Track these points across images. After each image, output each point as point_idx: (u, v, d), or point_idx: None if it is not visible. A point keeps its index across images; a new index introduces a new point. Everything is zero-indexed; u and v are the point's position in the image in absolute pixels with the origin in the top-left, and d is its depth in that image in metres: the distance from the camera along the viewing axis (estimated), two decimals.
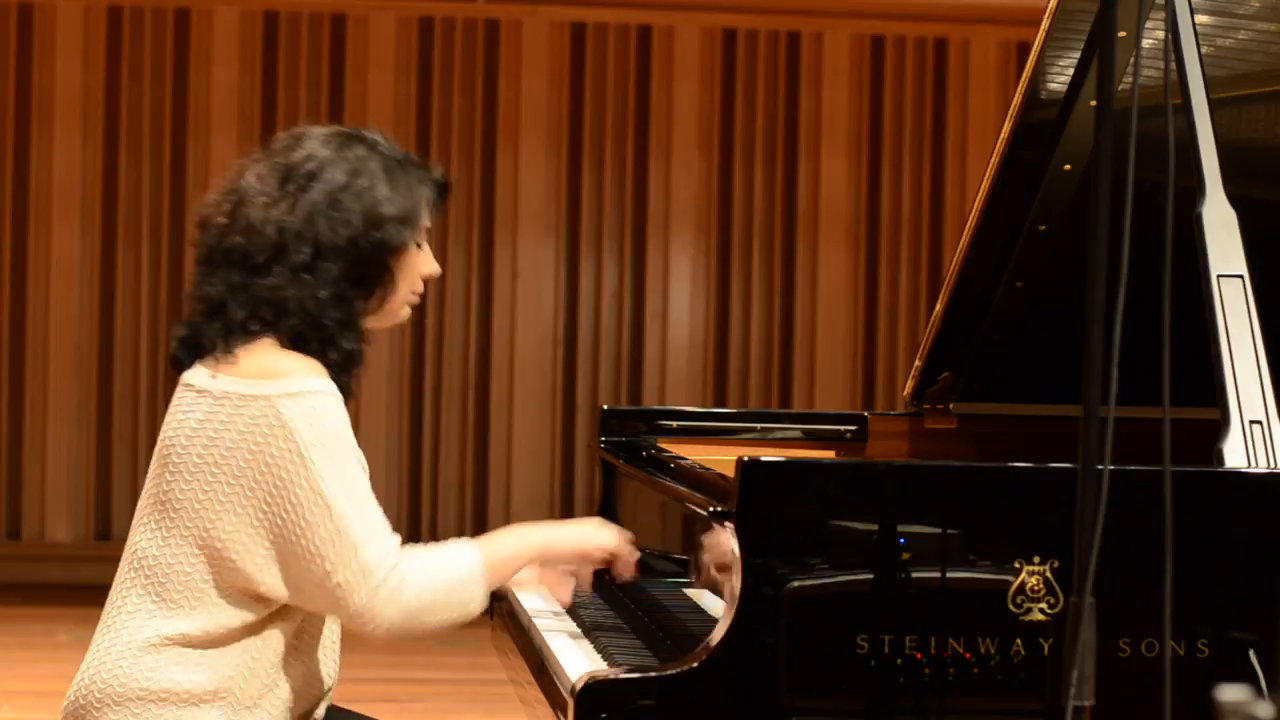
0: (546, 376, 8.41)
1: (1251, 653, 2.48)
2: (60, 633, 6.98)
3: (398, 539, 2.61)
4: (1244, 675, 2.46)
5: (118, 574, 2.69)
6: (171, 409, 2.69)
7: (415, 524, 8.27)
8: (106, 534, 8.10)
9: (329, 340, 2.64)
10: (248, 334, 2.63)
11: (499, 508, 8.39)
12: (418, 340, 8.36)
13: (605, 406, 3.63)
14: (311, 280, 2.63)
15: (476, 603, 2.64)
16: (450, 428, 8.37)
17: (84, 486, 8.16)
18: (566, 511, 8.39)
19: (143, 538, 2.66)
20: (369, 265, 2.68)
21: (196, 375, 2.65)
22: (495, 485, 8.39)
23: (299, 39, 8.27)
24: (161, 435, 2.70)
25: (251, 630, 2.62)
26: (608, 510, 3.51)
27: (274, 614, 2.64)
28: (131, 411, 8.18)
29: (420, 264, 2.76)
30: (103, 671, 2.62)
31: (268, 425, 2.56)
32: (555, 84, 8.37)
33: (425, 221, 2.76)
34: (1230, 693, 1.62)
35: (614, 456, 3.46)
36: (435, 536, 8.21)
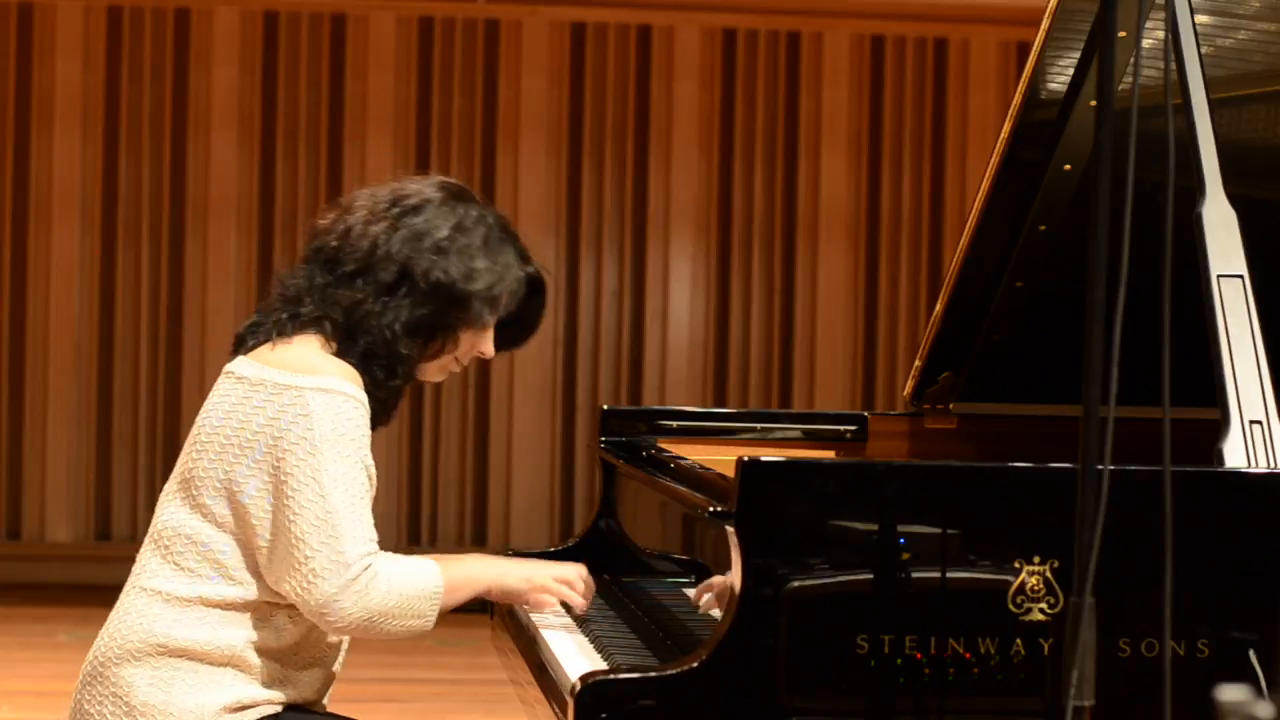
0: (546, 376, 8.41)
1: (1251, 653, 2.48)
2: (60, 633, 6.98)
3: (376, 545, 2.67)
4: (1244, 675, 2.46)
5: (139, 553, 2.79)
6: (210, 395, 2.78)
7: (415, 524, 8.27)
8: (106, 534, 8.10)
9: (390, 370, 2.75)
10: (306, 327, 2.73)
11: (499, 508, 8.39)
12: None
13: (605, 406, 3.64)
14: (390, 305, 2.73)
15: (429, 619, 2.70)
16: (450, 428, 8.37)
17: (84, 486, 8.16)
18: (566, 511, 8.40)
19: (165, 514, 2.77)
20: (443, 321, 2.78)
21: (239, 363, 2.75)
22: (495, 485, 8.39)
23: (299, 39, 8.27)
24: (197, 419, 2.78)
25: (267, 604, 2.70)
26: (608, 510, 3.51)
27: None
28: (131, 411, 8.18)
29: (479, 341, 2.86)
30: (123, 628, 2.71)
31: (293, 413, 2.65)
32: (555, 84, 8.37)
33: (509, 304, 2.85)
34: (1230, 693, 1.62)
35: (614, 456, 3.46)
36: (435, 536, 8.22)
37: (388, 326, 2.73)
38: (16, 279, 8.21)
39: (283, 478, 2.64)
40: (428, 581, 2.69)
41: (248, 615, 2.70)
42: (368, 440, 2.70)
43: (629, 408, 4.73)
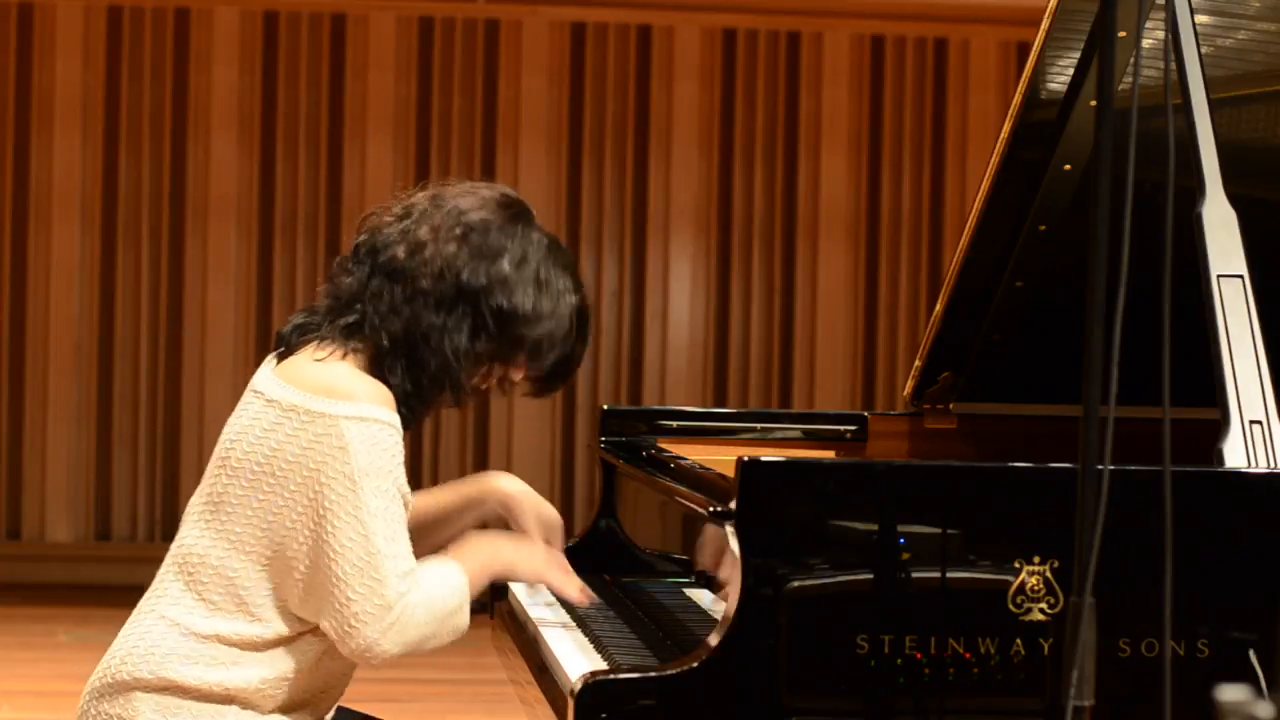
0: None
1: (1251, 653, 2.48)
2: (60, 633, 6.98)
3: (414, 566, 2.62)
4: (1244, 675, 2.46)
5: (161, 569, 2.72)
6: (237, 412, 2.69)
7: None
8: (106, 534, 8.10)
9: (441, 386, 2.68)
10: (354, 336, 2.65)
11: None
12: None
13: (605, 406, 3.63)
14: (450, 328, 2.65)
15: (460, 628, 2.66)
16: (450, 428, 8.37)
17: (84, 486, 8.16)
18: (566, 511, 8.39)
19: (190, 535, 2.68)
20: (500, 353, 2.72)
21: (265, 381, 2.66)
22: None
23: (299, 39, 8.27)
24: (224, 436, 2.69)
25: (284, 641, 2.64)
26: (607, 510, 3.51)
27: (307, 630, 2.65)
28: (131, 411, 8.18)
29: (510, 373, 2.79)
30: (135, 655, 2.64)
31: (329, 445, 2.57)
32: (555, 84, 8.37)
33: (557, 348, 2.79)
34: (1230, 693, 1.62)
35: (614, 456, 3.46)
36: None
37: (452, 351, 2.65)
38: (16, 279, 8.21)
39: (322, 512, 2.56)
40: (454, 592, 2.64)
41: (264, 653, 2.63)
42: (402, 469, 2.63)
43: (629, 408, 4.73)
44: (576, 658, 2.74)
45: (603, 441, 3.56)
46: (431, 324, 2.65)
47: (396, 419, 2.62)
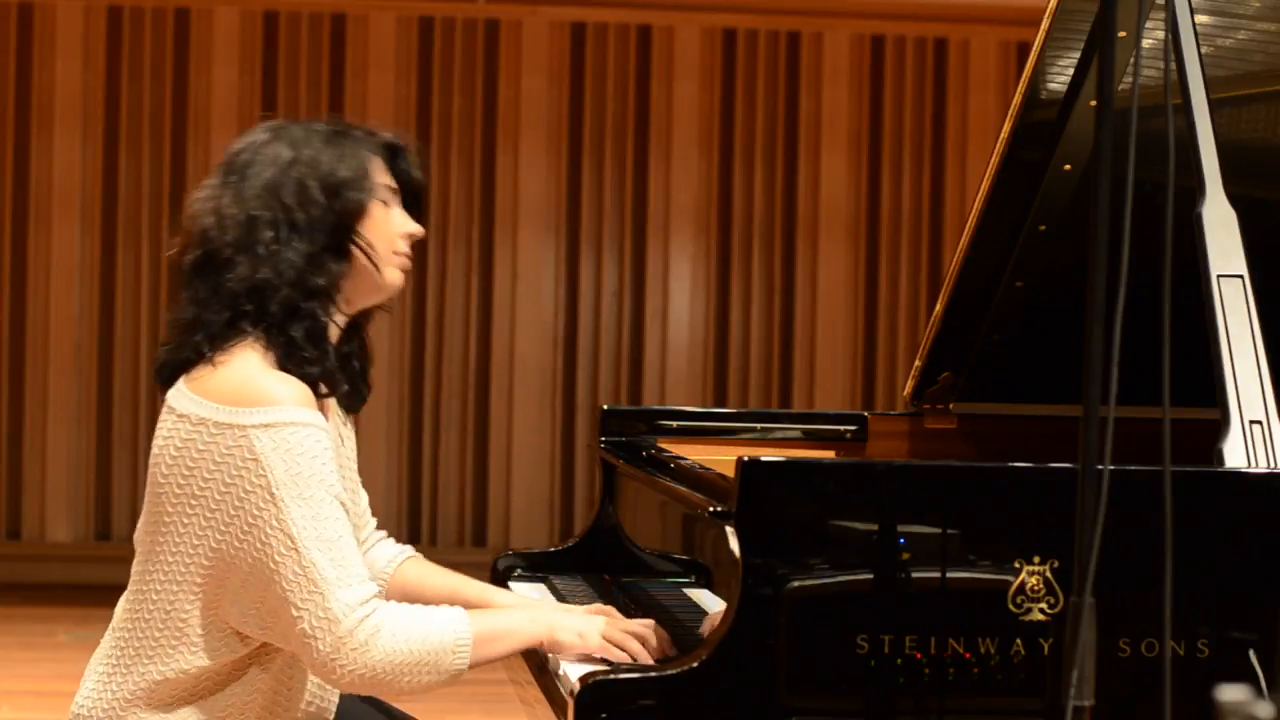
0: (546, 376, 8.41)
1: (1251, 653, 2.48)
2: (60, 633, 6.98)
3: (374, 588, 2.50)
4: (1244, 675, 2.46)
5: (119, 606, 2.64)
6: (156, 428, 2.60)
7: (415, 524, 8.27)
8: (106, 534, 8.10)
9: (315, 318, 2.54)
10: (231, 335, 2.54)
11: (499, 508, 8.39)
12: (418, 340, 8.36)
13: (605, 406, 3.63)
14: (281, 255, 2.54)
15: (453, 674, 2.53)
16: (450, 428, 8.37)
17: (84, 486, 8.16)
18: (566, 511, 8.39)
19: (137, 573, 2.60)
20: (335, 233, 2.58)
21: (177, 396, 2.56)
22: (495, 485, 8.39)
23: (299, 39, 8.27)
24: (150, 457, 2.60)
25: (237, 669, 2.56)
26: (607, 510, 3.51)
27: (258, 653, 2.57)
28: (131, 411, 8.18)
29: (393, 224, 2.66)
30: (99, 708, 2.59)
31: (241, 458, 2.46)
32: (555, 84, 8.37)
33: (385, 180, 2.67)
34: (1230, 693, 1.62)
35: (614, 456, 3.46)
36: (435, 536, 8.22)
37: (286, 270, 2.52)
38: (16, 279, 8.21)
39: (247, 529, 2.45)
40: (447, 634, 2.51)
41: (220, 690, 2.55)
42: (331, 467, 2.50)
43: (629, 408, 4.73)
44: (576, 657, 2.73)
45: (603, 441, 3.56)
46: (260, 268, 2.53)
47: (311, 414, 2.51)
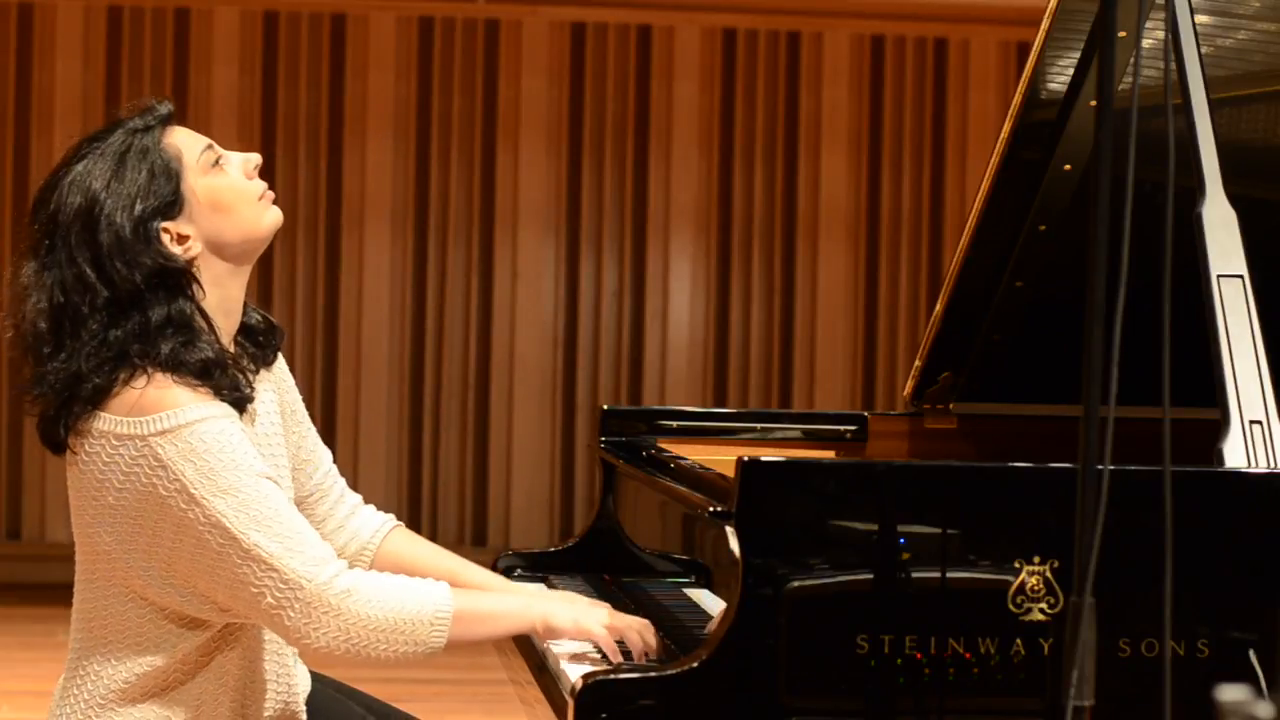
0: (546, 376, 8.41)
1: (1251, 653, 2.48)
2: (60, 633, 6.94)
3: (330, 549, 2.48)
4: (1244, 675, 2.46)
5: (70, 633, 2.63)
6: (68, 470, 2.58)
7: (415, 524, 8.27)
8: None
9: (165, 362, 2.49)
10: (96, 396, 2.48)
11: (499, 508, 8.39)
12: (418, 340, 8.36)
13: (605, 406, 3.63)
14: (102, 331, 2.49)
15: (430, 647, 2.49)
16: (450, 428, 8.37)
17: None
18: (566, 511, 8.39)
19: (78, 588, 2.59)
20: (139, 271, 2.50)
21: (79, 421, 2.52)
22: (495, 485, 8.39)
23: (299, 39, 8.27)
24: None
25: (204, 655, 2.55)
26: (607, 510, 3.51)
27: (221, 636, 2.56)
28: None
29: (231, 177, 2.59)
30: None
31: (148, 467, 2.44)
32: (555, 84, 8.37)
33: (192, 154, 2.57)
34: (1230, 693, 1.62)
35: (614, 456, 3.46)
36: (435, 536, 8.22)
37: (93, 357, 2.47)
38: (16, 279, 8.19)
39: (176, 531, 2.43)
40: (426, 605, 2.48)
41: (186, 683, 2.54)
42: (244, 448, 2.46)
43: (629, 408, 4.73)
44: (575, 652, 2.73)
45: (603, 441, 3.56)
46: (72, 366, 2.48)
47: (209, 408, 2.47)
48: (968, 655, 2.44)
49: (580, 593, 3.18)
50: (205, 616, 2.52)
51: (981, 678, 2.44)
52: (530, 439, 8.40)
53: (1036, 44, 3.07)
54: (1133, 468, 2.38)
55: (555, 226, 8.40)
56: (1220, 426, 2.68)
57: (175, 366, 2.48)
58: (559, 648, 2.76)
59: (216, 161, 2.60)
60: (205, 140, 2.62)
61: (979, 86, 8.48)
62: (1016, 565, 2.45)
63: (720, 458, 2.97)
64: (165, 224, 2.54)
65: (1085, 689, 2.03)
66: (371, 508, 2.97)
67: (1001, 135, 3.18)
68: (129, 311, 2.50)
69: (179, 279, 2.53)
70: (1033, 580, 2.45)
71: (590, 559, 3.45)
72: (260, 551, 2.42)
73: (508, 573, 3.38)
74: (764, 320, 8.49)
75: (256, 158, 2.64)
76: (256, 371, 2.68)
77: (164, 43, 8.20)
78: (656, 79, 8.41)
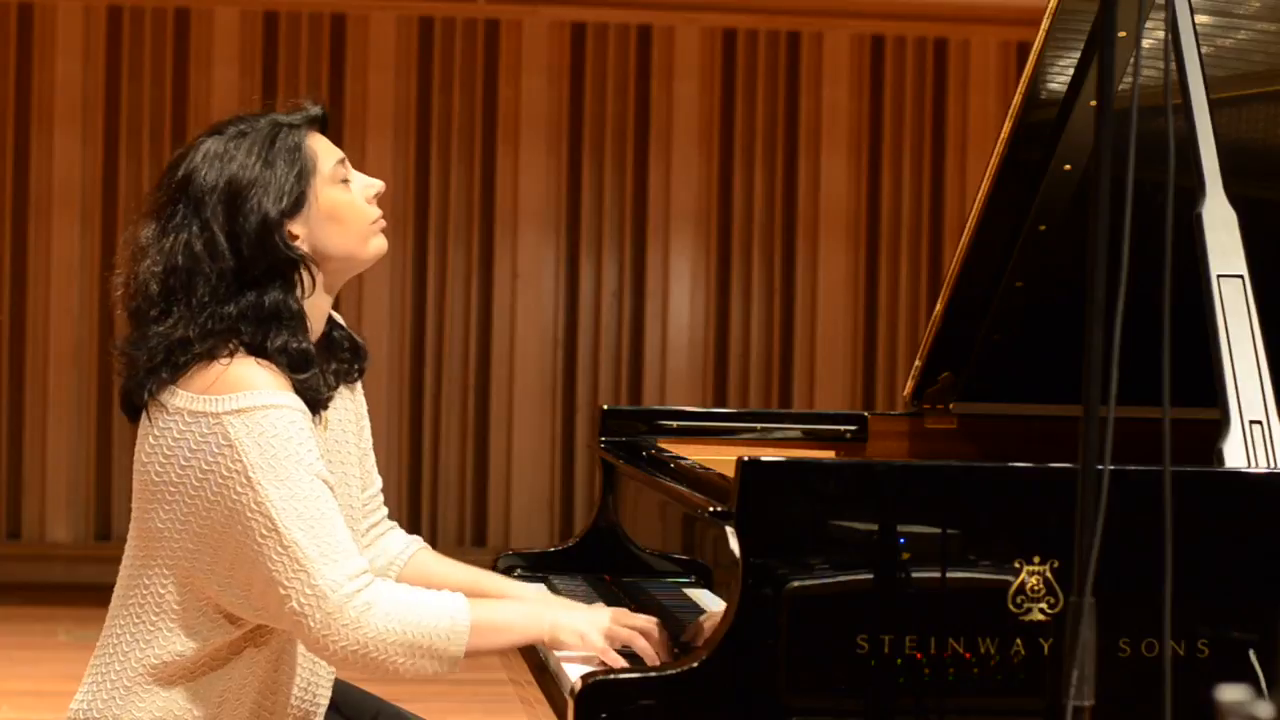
0: (546, 376, 8.41)
1: (1251, 653, 2.48)
2: (60, 633, 6.98)
3: (363, 563, 2.50)
4: (1244, 675, 2.46)
5: (110, 606, 2.65)
6: (139, 437, 2.60)
7: (415, 524, 8.27)
8: (106, 534, 8.10)
9: (257, 346, 2.54)
10: (217, 349, 2.53)
11: (499, 508, 8.39)
12: (418, 340, 8.36)
13: (605, 406, 3.63)
14: (212, 306, 2.53)
15: (449, 660, 2.50)
16: (450, 428, 8.37)
17: (84, 486, 8.16)
18: (566, 511, 8.39)
19: (125, 563, 2.62)
20: (262, 258, 2.56)
21: (158, 395, 2.56)
22: (495, 485, 8.39)
23: (299, 39, 8.27)
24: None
25: (233, 652, 2.57)
26: (607, 510, 3.51)
27: (252, 635, 2.58)
28: None
29: (354, 196, 2.65)
30: (99, 702, 2.60)
31: (215, 444, 2.47)
32: (555, 84, 8.37)
33: (327, 163, 2.64)
34: (1230, 693, 1.62)
35: (614, 456, 3.46)
36: (435, 537, 8.22)
37: (210, 323, 2.52)
38: (16, 278, 8.21)
39: (227, 514, 2.46)
40: (443, 618, 2.49)
41: (215, 671, 2.56)
42: (308, 446, 2.50)
43: (629, 408, 4.73)
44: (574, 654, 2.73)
45: (603, 441, 3.56)
46: (179, 332, 2.53)
47: (284, 396, 2.51)
48: (968, 655, 2.44)
49: (580, 593, 3.18)
50: (241, 613, 2.54)
51: (981, 678, 2.44)
52: (530, 439, 8.40)
53: (1036, 44, 3.07)
54: (1133, 468, 2.38)
55: (555, 227, 8.40)
56: (1220, 426, 2.68)
57: (272, 353, 2.54)
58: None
59: (345, 179, 2.67)
60: (340, 154, 2.69)
61: (979, 86, 8.48)
62: (1016, 565, 2.45)
63: (720, 458, 2.97)
64: (287, 220, 2.60)
65: (1085, 689, 2.03)
66: (401, 530, 3.02)
67: (1001, 135, 3.18)
68: (245, 290, 2.55)
69: (295, 272, 2.59)
70: (1033, 580, 2.45)
71: (590, 559, 3.45)
72: (298, 550, 2.44)
73: (508, 573, 3.38)
74: (764, 320, 8.49)
75: (380, 185, 2.71)
76: (337, 385, 2.72)
77: (164, 43, 8.20)
78: (656, 79, 8.41)
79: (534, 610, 2.64)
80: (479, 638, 2.52)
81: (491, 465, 8.39)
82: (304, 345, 2.57)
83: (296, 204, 2.60)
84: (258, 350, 2.54)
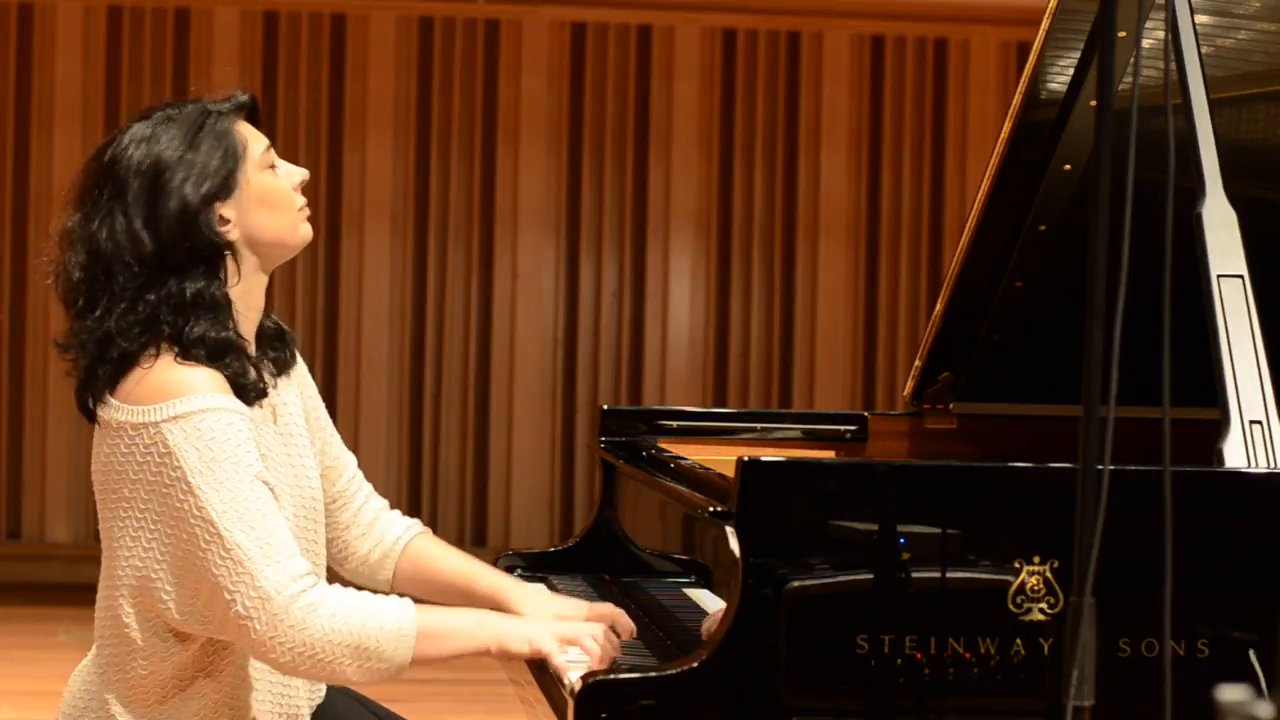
0: (546, 376, 8.41)
1: (1251, 653, 2.48)
2: (60, 633, 6.98)
3: (306, 564, 2.47)
4: (1244, 675, 2.46)
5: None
6: (93, 450, 2.60)
7: None
8: None
9: (183, 338, 2.50)
10: (119, 368, 2.51)
11: (499, 508, 8.39)
12: (418, 340, 8.36)
13: (605, 406, 3.63)
14: (136, 293, 2.50)
15: (395, 664, 2.45)
16: (450, 428, 8.37)
17: (84, 486, 8.13)
18: (566, 511, 8.39)
19: (100, 583, 2.62)
20: (184, 243, 2.53)
21: (103, 409, 2.54)
22: (495, 485, 8.39)
23: (299, 39, 8.27)
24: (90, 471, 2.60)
25: (183, 679, 2.54)
26: (607, 510, 3.51)
27: (204, 663, 2.55)
28: None
29: (285, 185, 2.63)
30: (79, 706, 2.60)
31: (158, 454, 2.45)
32: (555, 84, 8.37)
33: (258, 143, 2.63)
34: (1230, 693, 1.62)
35: (614, 456, 3.46)
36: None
37: (128, 316, 2.49)
38: (16, 279, 8.21)
39: (172, 525, 2.44)
40: (389, 621, 2.45)
41: (178, 695, 2.53)
42: (247, 448, 2.46)
43: (629, 408, 4.73)
44: (576, 657, 2.73)
45: (603, 441, 3.56)
46: (106, 324, 2.51)
47: (221, 398, 2.48)
48: (968, 655, 2.44)
49: (580, 593, 3.18)
50: (190, 626, 2.51)
51: (981, 678, 2.44)
52: (530, 439, 8.40)
53: (1036, 44, 3.07)
54: (1133, 468, 2.38)
55: (555, 226, 8.40)
56: (1220, 426, 2.68)
57: (196, 343, 2.50)
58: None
59: (273, 165, 2.66)
60: (267, 140, 2.68)
61: (979, 86, 8.48)
62: (1016, 565, 2.45)
63: (720, 458, 2.97)
64: (217, 204, 2.58)
65: (1085, 689, 2.03)
66: (397, 513, 2.96)
67: (1001, 135, 3.18)
68: (165, 279, 2.53)
69: (219, 258, 2.57)
70: (1033, 580, 2.45)
71: (590, 559, 3.45)
72: (240, 553, 2.41)
73: (508, 572, 3.38)
74: (764, 320, 8.49)
75: (305, 174, 2.70)
76: (277, 375, 2.70)
77: (164, 43, 8.20)
78: (656, 79, 8.41)
79: (483, 619, 2.59)
80: (426, 644, 2.47)
81: (491, 465, 8.39)
82: (223, 335, 2.53)
83: (225, 186, 2.58)
84: (179, 339, 2.50)
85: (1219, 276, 2.75)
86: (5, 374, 8.22)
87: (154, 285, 2.52)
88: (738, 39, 8.44)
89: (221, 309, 2.55)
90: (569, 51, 8.38)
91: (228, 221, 2.58)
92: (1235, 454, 2.65)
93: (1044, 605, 2.45)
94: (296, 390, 2.76)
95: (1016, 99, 3.14)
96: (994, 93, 8.45)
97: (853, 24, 8.43)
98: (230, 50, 8.21)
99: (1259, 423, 2.68)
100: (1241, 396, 2.69)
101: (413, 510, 8.27)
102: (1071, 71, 3.14)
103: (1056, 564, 2.44)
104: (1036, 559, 2.45)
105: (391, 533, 2.92)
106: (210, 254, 2.56)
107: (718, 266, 8.47)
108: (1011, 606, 2.45)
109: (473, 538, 8.34)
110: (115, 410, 2.50)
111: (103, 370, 2.52)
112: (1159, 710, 2.27)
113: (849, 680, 2.42)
